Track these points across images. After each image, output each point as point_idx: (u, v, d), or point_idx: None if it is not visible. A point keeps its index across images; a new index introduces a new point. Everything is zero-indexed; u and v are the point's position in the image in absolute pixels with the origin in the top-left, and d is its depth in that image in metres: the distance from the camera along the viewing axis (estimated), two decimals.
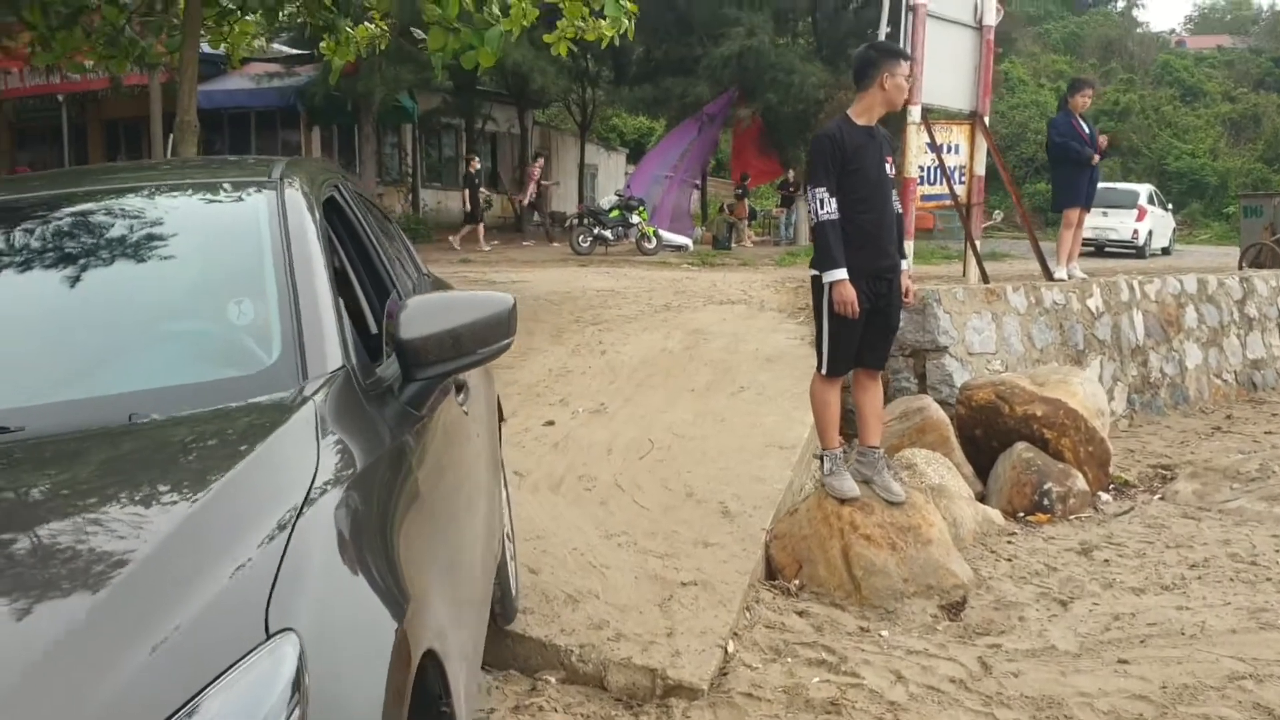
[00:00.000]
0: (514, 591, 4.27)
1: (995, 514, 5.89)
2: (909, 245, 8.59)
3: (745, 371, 7.79)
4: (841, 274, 4.73)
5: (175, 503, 1.52)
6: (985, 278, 8.85)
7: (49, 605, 1.31)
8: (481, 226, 19.97)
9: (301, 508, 1.59)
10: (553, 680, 4.06)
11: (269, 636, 1.33)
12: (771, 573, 5.11)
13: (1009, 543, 5.58)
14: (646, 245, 19.17)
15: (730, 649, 4.22)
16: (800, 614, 4.65)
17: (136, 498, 1.55)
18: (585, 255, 18.34)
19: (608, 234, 19.01)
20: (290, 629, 1.35)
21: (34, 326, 2.03)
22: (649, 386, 7.53)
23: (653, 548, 5.04)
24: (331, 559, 1.55)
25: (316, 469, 1.71)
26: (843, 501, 5.01)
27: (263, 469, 1.66)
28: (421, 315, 2.25)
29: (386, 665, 1.47)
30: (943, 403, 7.00)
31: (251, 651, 1.30)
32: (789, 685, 3.94)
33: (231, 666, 1.27)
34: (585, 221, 19.46)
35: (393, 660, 1.49)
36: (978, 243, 9.17)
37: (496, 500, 3.61)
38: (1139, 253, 23.12)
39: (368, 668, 1.45)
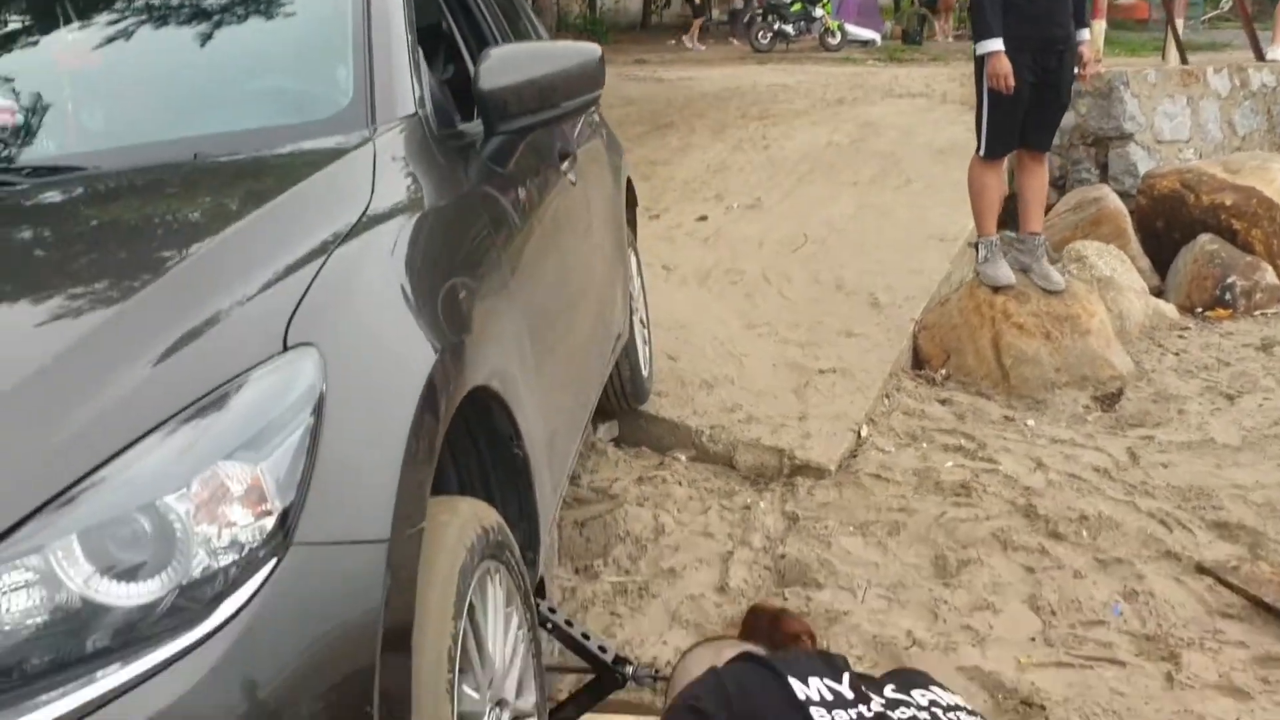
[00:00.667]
0: (645, 374, 4.31)
1: (1169, 308, 5.54)
2: (1098, 26, 7.95)
3: (913, 165, 7.46)
4: (996, 45, 4.39)
5: (217, 219, 1.56)
6: (1184, 61, 8.08)
7: (75, 301, 1.38)
8: (699, 23, 19.72)
9: (345, 236, 1.61)
10: (682, 458, 4.12)
11: (286, 349, 1.35)
12: (918, 364, 5.00)
13: (1180, 337, 5.26)
14: (830, 41, 18.36)
15: (863, 433, 4.18)
16: (942, 402, 4.54)
17: (182, 215, 1.60)
18: (764, 53, 17.71)
19: (789, 29, 18.24)
20: (312, 345, 1.38)
21: (103, 73, 2.09)
22: (809, 181, 7.31)
23: (794, 338, 4.98)
24: (366, 287, 1.56)
25: (369, 203, 1.71)
26: (996, 290, 4.81)
27: (312, 197, 1.68)
28: (503, 65, 2.20)
29: (416, 396, 1.48)
30: (1124, 194, 6.54)
31: (267, 360, 1.33)
32: (920, 468, 3.89)
33: (245, 372, 1.30)
34: (765, 17, 18.68)
35: (423, 393, 1.49)
36: (1180, 26, 8.36)
37: (617, 279, 3.60)
38: None
39: (393, 396, 1.46)
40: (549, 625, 2.28)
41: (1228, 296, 5.67)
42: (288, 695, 1.18)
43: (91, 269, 1.57)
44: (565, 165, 2.93)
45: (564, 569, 3.20)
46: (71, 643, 1.09)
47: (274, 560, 1.20)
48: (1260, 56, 8.15)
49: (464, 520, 1.67)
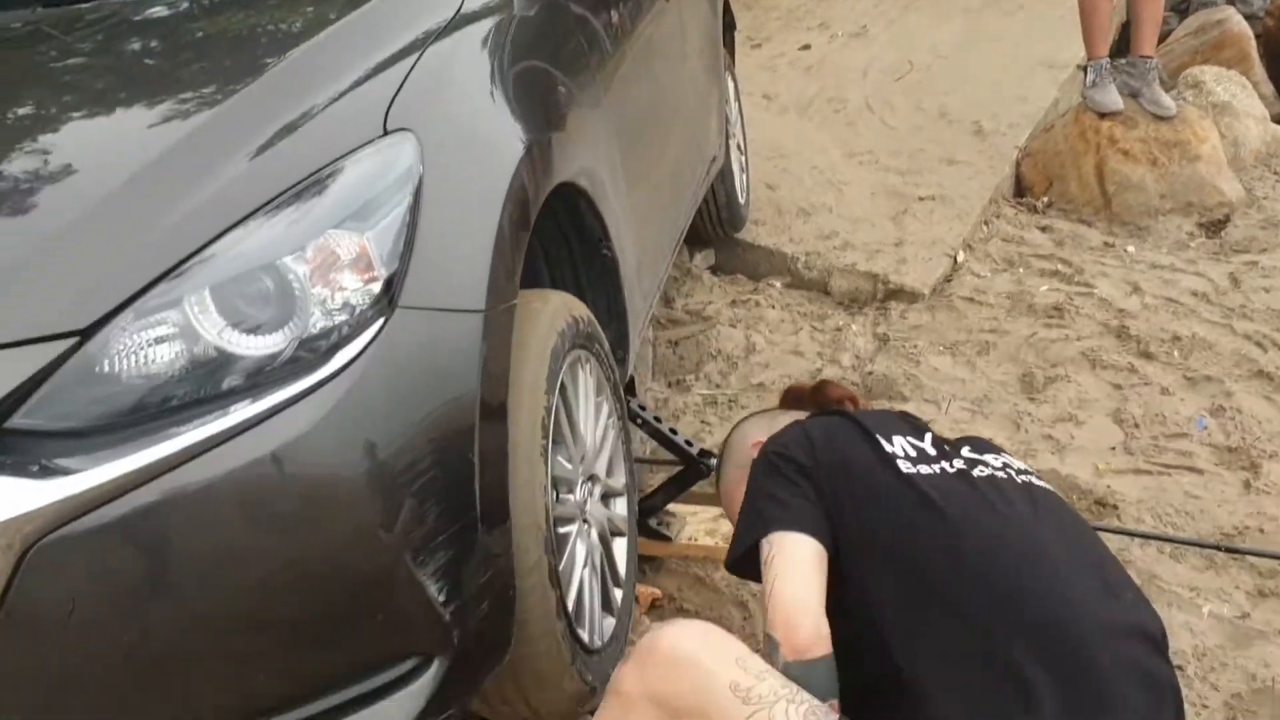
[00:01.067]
0: (742, 200, 4.36)
1: None
2: None
3: None
4: None
5: (315, 23, 1.68)
6: None
7: (187, 102, 1.52)
8: None
9: (439, 33, 1.70)
10: (777, 284, 4.20)
11: (386, 134, 1.47)
12: (1020, 191, 4.94)
13: None
14: None
15: (959, 259, 4.19)
16: (1043, 229, 4.51)
17: (283, 21, 1.72)
18: None
19: None
20: (410, 130, 1.49)
21: None
22: (916, 8, 7.09)
23: (894, 165, 4.96)
24: (460, 80, 1.67)
25: (461, 4, 1.80)
26: (1103, 115, 4.69)
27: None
28: None
29: (507, 183, 1.59)
30: (1251, 17, 6.21)
31: (369, 143, 1.45)
32: (1014, 292, 3.91)
33: (351, 153, 1.43)
34: None
35: (513, 181, 1.61)
36: None
37: (712, 102, 3.63)
38: None
39: (485, 182, 1.58)
40: (639, 420, 2.43)
41: None
42: (396, 441, 1.34)
43: (202, 72, 1.71)
44: None
45: (658, 383, 3.35)
46: (208, 383, 1.26)
47: (381, 320, 1.35)
48: None
49: (555, 308, 1.81)
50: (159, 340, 1.26)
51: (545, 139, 1.77)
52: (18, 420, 1.19)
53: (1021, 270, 4.12)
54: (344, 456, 1.28)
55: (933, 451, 1.45)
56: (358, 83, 1.53)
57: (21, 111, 1.65)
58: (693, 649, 1.26)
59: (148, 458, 1.19)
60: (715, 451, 2.48)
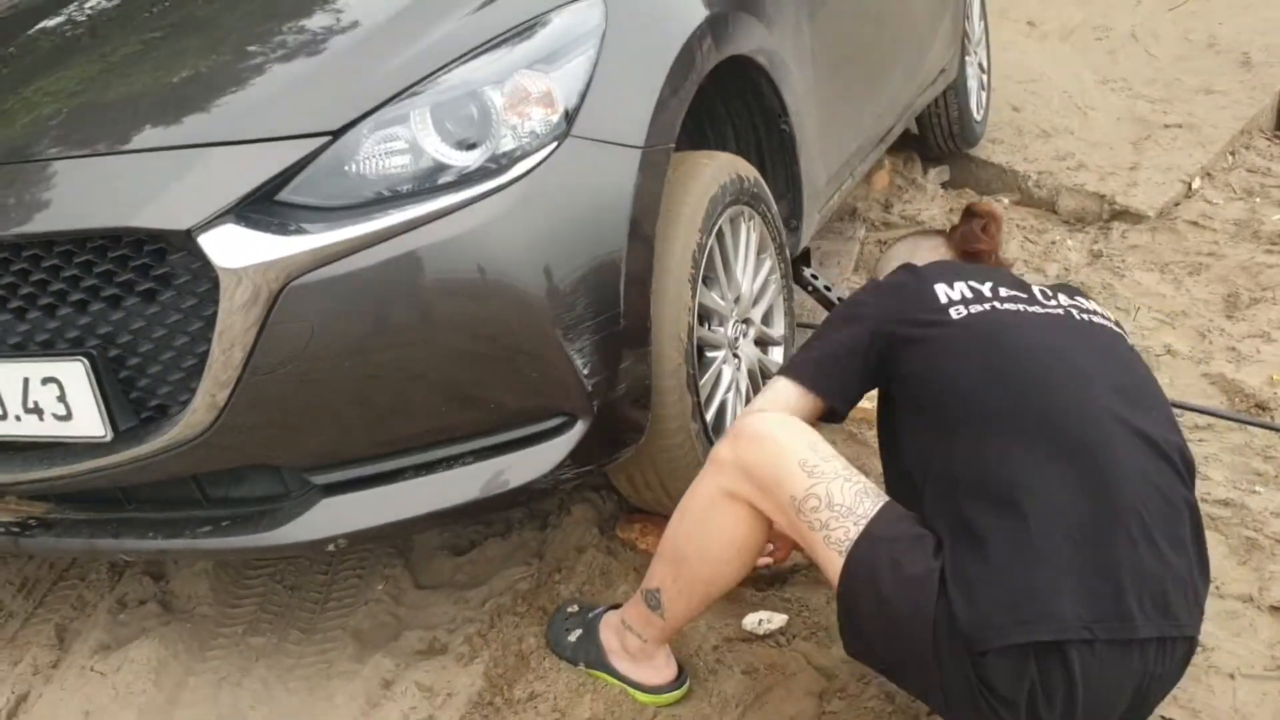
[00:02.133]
0: (978, 117, 4.46)
1: None
2: None
3: None
4: None
5: None
6: None
7: None
8: None
9: None
10: (1005, 200, 4.31)
11: None
12: None
13: None
14: None
15: (1195, 185, 4.16)
16: None
17: None
18: None
19: None
20: None
21: None
22: None
23: (1147, 93, 4.90)
24: None
25: None
26: None
27: None
28: None
29: (678, 47, 1.91)
30: None
31: (564, 5, 1.80)
32: (1243, 219, 3.87)
33: (550, 11, 1.79)
34: None
35: (685, 44, 1.92)
36: None
37: (941, 18, 3.76)
38: None
39: (659, 43, 1.90)
40: (809, 287, 2.71)
41: None
42: (559, 239, 1.70)
43: None
44: None
45: (858, 275, 3.58)
46: (424, 181, 1.66)
47: (555, 144, 1.71)
48: None
49: (722, 165, 2.12)
50: (391, 146, 1.67)
51: (723, 13, 2.07)
52: (285, 195, 1.63)
53: (1258, 199, 4.04)
54: (515, 243, 1.65)
55: (988, 293, 1.63)
56: None
57: None
58: (774, 429, 1.56)
59: (374, 226, 1.61)
60: None
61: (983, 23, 4.60)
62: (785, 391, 1.66)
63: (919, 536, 1.44)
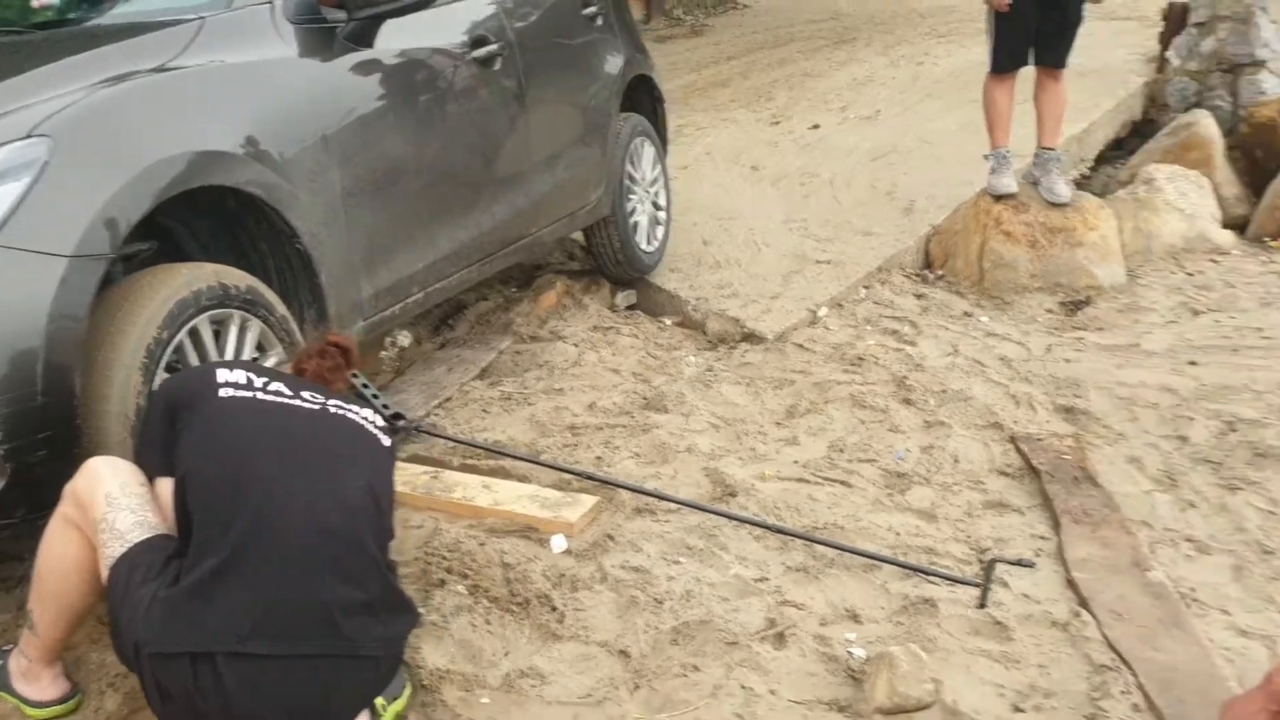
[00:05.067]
0: (649, 249, 5.01)
1: (1221, 234, 5.54)
2: None
3: None
4: None
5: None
6: None
7: None
8: None
9: (129, 75, 2.51)
10: (668, 322, 4.83)
11: (30, 136, 2.27)
12: (929, 264, 5.38)
13: (1212, 262, 5.30)
14: None
15: (821, 313, 4.71)
16: (918, 297, 4.96)
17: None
18: None
19: None
20: (47, 135, 2.29)
21: None
22: (936, 97, 7.58)
23: (818, 233, 5.51)
24: (123, 99, 2.46)
25: (172, 57, 2.61)
26: (998, 198, 5.12)
27: (129, 49, 2.60)
28: None
29: (127, 177, 2.38)
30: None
31: (13, 141, 2.26)
32: (842, 343, 4.41)
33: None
34: None
35: (139, 173, 2.39)
36: None
37: (579, 164, 4.30)
38: None
39: (106, 168, 2.36)
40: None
41: None
42: None
43: None
44: (481, 51, 3.68)
45: (481, 381, 4.03)
46: None
47: None
48: None
49: (201, 274, 2.56)
50: None
51: (202, 153, 2.54)
52: None
53: (868, 328, 4.60)
54: None
55: (259, 383, 2.07)
56: (27, 105, 2.35)
57: None
58: (100, 467, 1.99)
59: None
60: (405, 414, 3.20)
61: (658, 168, 5.18)
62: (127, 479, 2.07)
63: (162, 566, 1.85)
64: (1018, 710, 2.23)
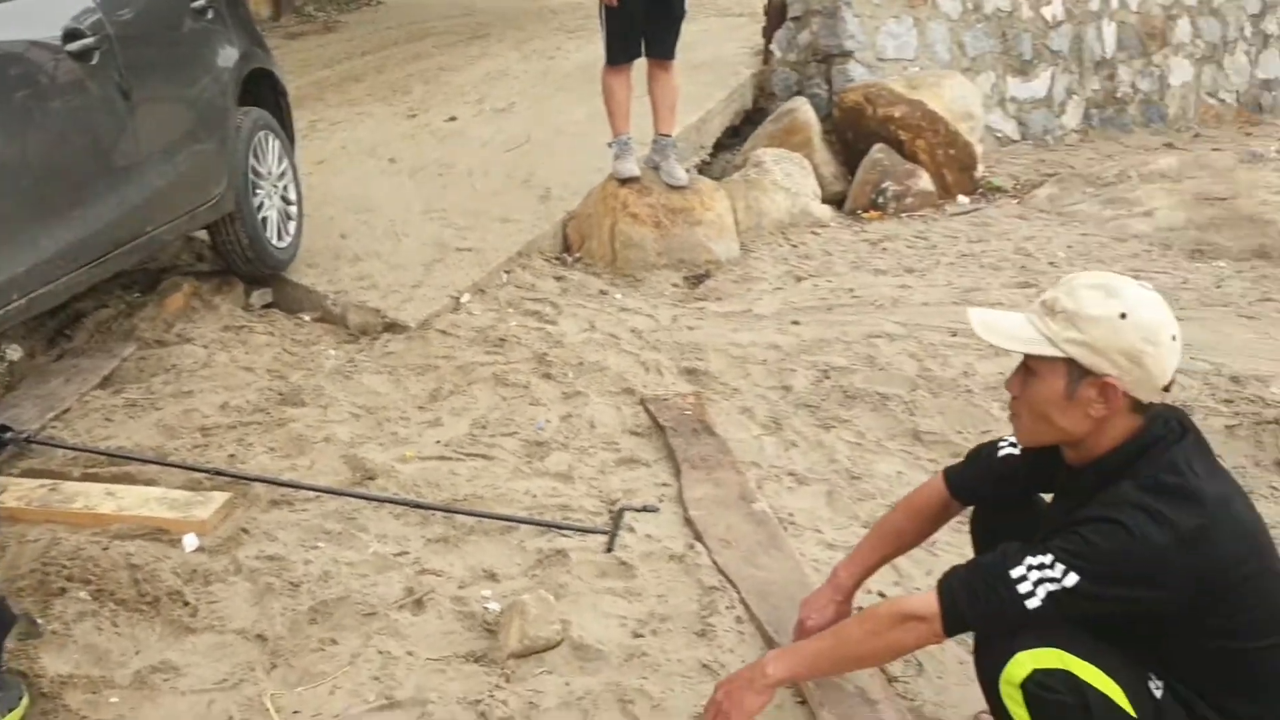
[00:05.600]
0: (282, 245, 4.91)
1: (821, 209, 6.14)
2: None
3: None
4: None
5: None
6: None
7: None
8: None
9: None
10: (307, 318, 4.76)
11: None
12: (568, 248, 5.61)
13: (813, 234, 5.88)
14: None
15: (464, 300, 4.80)
16: (558, 279, 5.17)
17: None
18: None
19: None
20: None
21: None
22: (568, 89, 7.85)
23: (457, 222, 5.60)
24: None
25: None
26: (623, 183, 5.42)
27: None
28: None
29: None
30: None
31: None
32: (486, 326, 4.53)
33: None
34: None
35: None
36: None
37: (194, 158, 4.16)
38: None
39: None
40: None
41: (880, 199, 6.30)
42: None
43: None
44: (76, 45, 3.49)
45: (105, 389, 3.84)
46: None
47: None
48: None
49: None
50: None
51: None
52: None
53: (510, 310, 4.75)
54: None
55: None
56: None
57: None
58: None
59: None
60: (12, 427, 3.02)
61: (285, 162, 5.09)
62: None
63: None
64: (637, 636, 2.43)
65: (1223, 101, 9.41)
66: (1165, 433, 1.72)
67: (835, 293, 4.93)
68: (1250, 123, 9.36)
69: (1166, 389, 1.73)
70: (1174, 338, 1.72)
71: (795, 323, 4.55)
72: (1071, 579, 1.64)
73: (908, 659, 2.36)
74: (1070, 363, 1.72)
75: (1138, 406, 1.73)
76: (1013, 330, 1.79)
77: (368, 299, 4.75)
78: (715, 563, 2.71)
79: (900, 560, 2.57)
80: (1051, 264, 5.32)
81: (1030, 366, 1.80)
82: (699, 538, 2.86)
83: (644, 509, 3.03)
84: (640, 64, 5.44)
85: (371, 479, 3.19)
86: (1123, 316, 1.69)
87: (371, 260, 5.17)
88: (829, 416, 3.73)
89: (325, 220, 5.54)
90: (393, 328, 4.58)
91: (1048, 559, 1.66)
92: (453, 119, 7.33)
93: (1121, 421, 1.73)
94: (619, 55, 5.28)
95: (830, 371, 4.03)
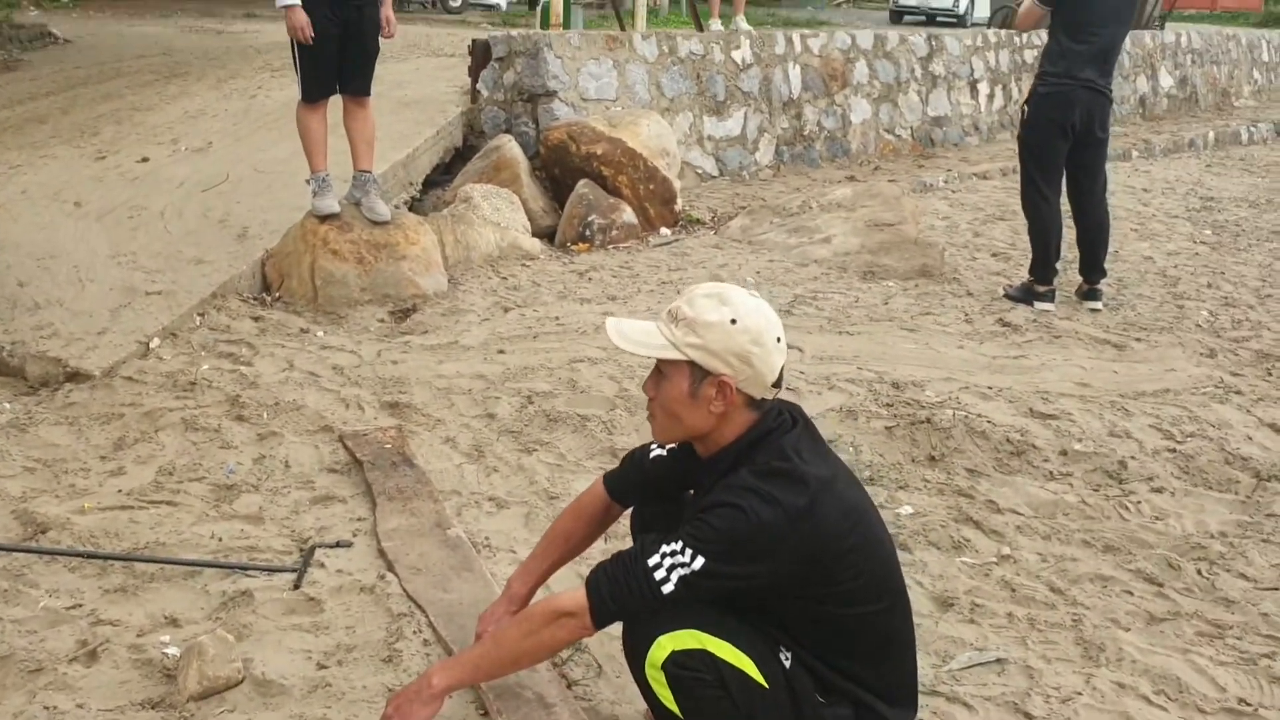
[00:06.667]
0: None
1: (530, 242, 6.29)
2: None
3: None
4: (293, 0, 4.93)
5: None
6: (622, 28, 9.03)
7: None
8: None
9: None
10: None
11: None
12: (267, 287, 5.49)
13: (523, 266, 6.01)
14: (451, 3, 18.80)
15: (154, 345, 4.62)
16: (255, 319, 5.05)
17: None
18: None
19: None
20: None
21: None
22: (270, 128, 7.70)
23: (148, 265, 5.37)
24: None
25: None
26: (323, 220, 5.36)
27: None
28: None
29: None
30: None
31: None
32: (176, 371, 4.37)
33: None
34: None
35: None
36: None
37: None
38: (960, 22, 23.41)
39: None
40: None
41: (587, 232, 6.51)
42: None
43: None
44: None
45: None
46: None
47: None
48: (700, 28, 9.19)
49: None
50: None
51: None
52: None
53: (204, 353, 4.60)
54: None
55: None
56: None
57: None
58: None
59: None
60: None
61: None
62: None
63: None
64: (322, 667, 2.43)
65: (899, 137, 10.28)
66: (778, 425, 1.91)
67: (541, 321, 5.05)
68: (924, 156, 10.26)
69: (776, 385, 1.92)
70: (779, 340, 1.91)
71: (501, 352, 4.64)
72: (699, 562, 1.79)
73: (588, 663, 2.47)
74: (692, 365, 1.88)
75: (753, 403, 1.91)
76: (643, 337, 1.94)
77: (48, 348, 4.49)
78: (405, 590, 2.74)
79: (580, 565, 2.69)
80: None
81: (661, 369, 1.95)
82: (390, 568, 2.88)
83: (336, 545, 3.02)
84: (337, 101, 5.43)
85: (44, 532, 3.03)
86: (733, 322, 1.87)
87: (53, 308, 4.89)
88: (531, 440, 3.83)
89: (1, 269, 5.20)
90: (75, 377, 4.35)
91: (679, 545, 1.81)
92: (145, 160, 7.03)
93: (739, 416, 1.91)
94: (314, 92, 5.25)
95: (534, 397, 4.14)
